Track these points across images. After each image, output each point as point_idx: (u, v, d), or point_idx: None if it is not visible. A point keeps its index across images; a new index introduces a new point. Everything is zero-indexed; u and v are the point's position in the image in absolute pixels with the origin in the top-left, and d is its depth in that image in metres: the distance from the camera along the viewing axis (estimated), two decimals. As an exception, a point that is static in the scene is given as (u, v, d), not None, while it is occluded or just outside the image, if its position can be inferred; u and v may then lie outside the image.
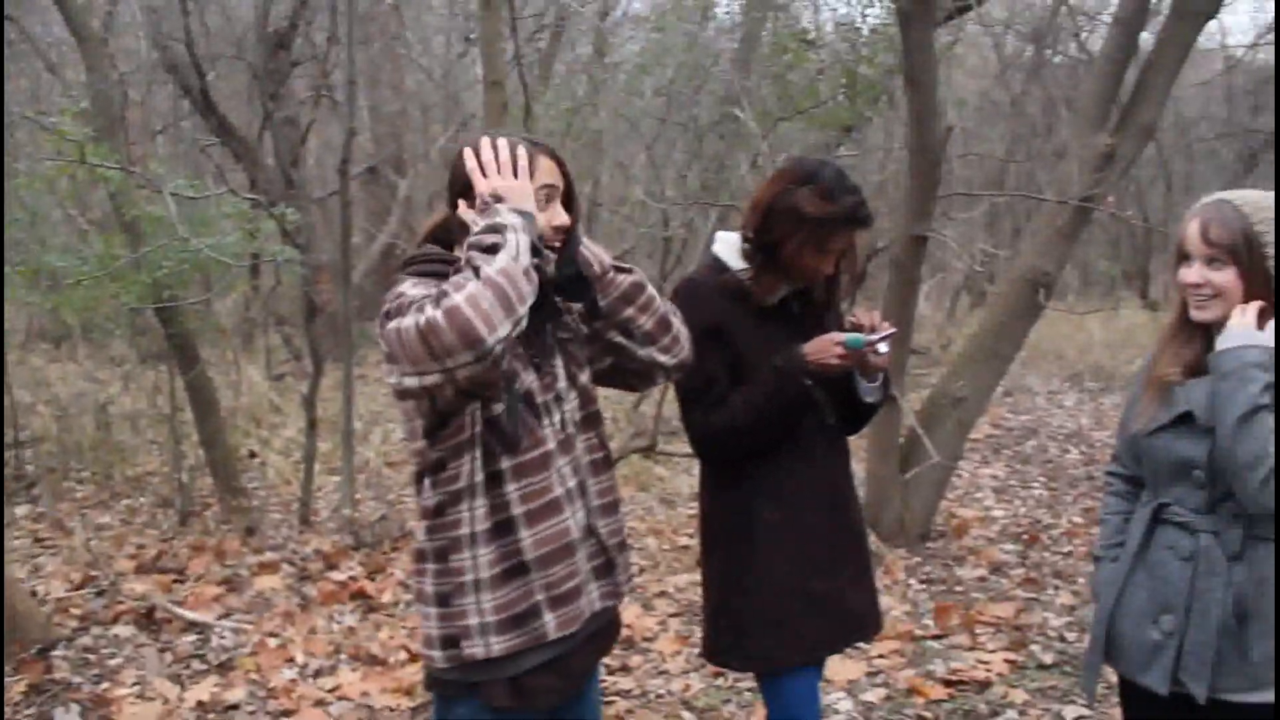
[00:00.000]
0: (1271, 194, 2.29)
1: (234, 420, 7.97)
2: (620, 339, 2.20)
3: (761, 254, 2.55)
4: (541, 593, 2.03)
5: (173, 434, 6.54)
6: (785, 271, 2.55)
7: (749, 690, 4.04)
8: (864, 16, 7.77)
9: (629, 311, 2.19)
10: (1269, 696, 2.25)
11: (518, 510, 2.01)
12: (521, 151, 2.00)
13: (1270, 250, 2.19)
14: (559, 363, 2.13)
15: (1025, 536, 5.97)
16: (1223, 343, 2.19)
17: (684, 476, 6.88)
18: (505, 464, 2.01)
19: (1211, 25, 7.17)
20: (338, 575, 5.31)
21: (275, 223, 5.89)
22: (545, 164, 2.08)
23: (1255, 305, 2.20)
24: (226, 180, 9.84)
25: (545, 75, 10.42)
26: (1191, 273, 2.24)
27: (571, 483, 2.10)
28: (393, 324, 1.85)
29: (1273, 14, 13.04)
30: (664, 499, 6.75)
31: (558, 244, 2.08)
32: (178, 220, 5.09)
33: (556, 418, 2.09)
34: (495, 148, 2.01)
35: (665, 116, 8.15)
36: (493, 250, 1.83)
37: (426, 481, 2.04)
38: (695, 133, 7.78)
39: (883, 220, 7.06)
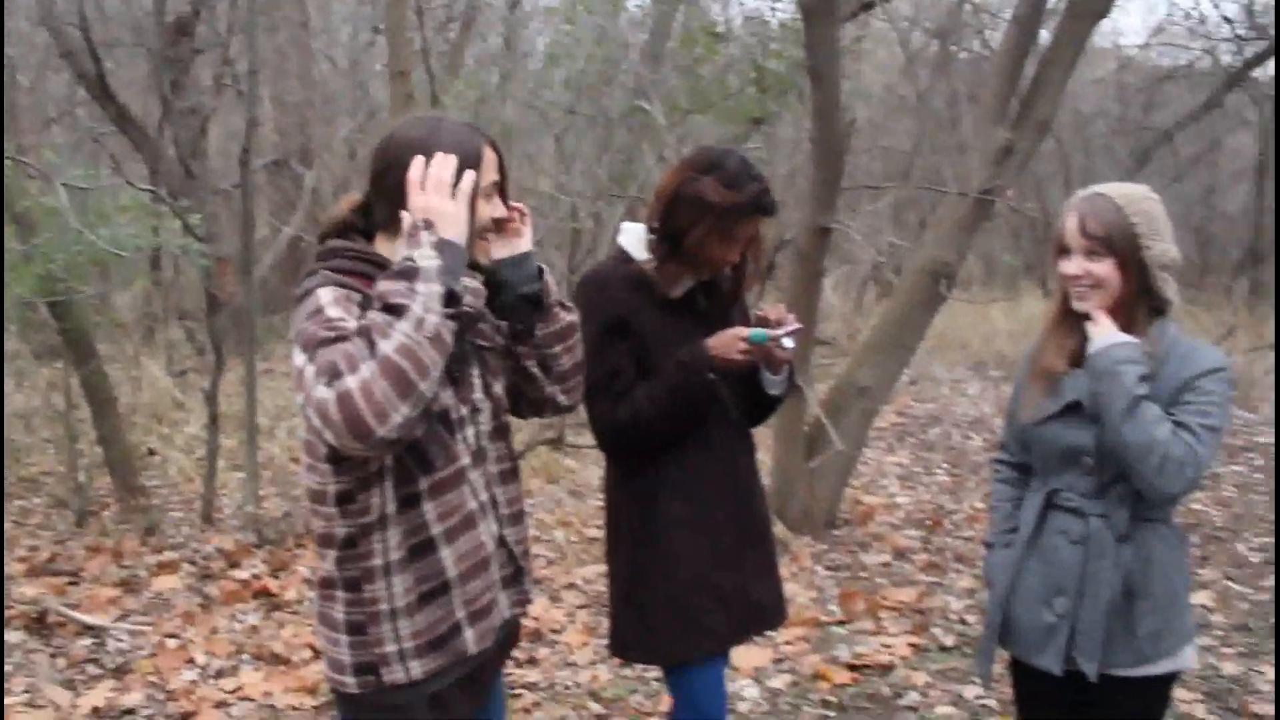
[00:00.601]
0: (1145, 187, 2.37)
1: (134, 417, 7.77)
2: (535, 370, 2.19)
3: (667, 243, 2.55)
4: (462, 610, 2.01)
5: (68, 432, 6.34)
6: (690, 261, 2.55)
7: (655, 680, 4.06)
8: (773, 11, 7.86)
9: (557, 348, 2.19)
10: (1155, 669, 2.34)
11: (437, 530, 1.98)
12: (468, 178, 1.92)
13: (1145, 241, 2.26)
14: (475, 372, 2.09)
15: (928, 522, 6.10)
16: (1092, 348, 2.27)
17: (593, 468, 6.89)
18: (423, 484, 1.95)
19: (1105, 25, 7.41)
20: (240, 574, 5.21)
21: (176, 215, 5.74)
22: (490, 158, 2.02)
23: (1105, 315, 2.28)
24: (123, 171, 9.57)
25: (454, 66, 10.33)
26: (1071, 265, 2.31)
27: (484, 496, 2.08)
28: (298, 361, 1.79)
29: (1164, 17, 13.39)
30: (573, 491, 6.74)
31: (492, 234, 2.05)
32: (71, 211, 4.95)
33: (470, 431, 2.05)
34: (439, 164, 1.91)
35: (574, 109, 8.13)
36: (397, 313, 1.74)
37: (332, 510, 1.96)
38: (604, 125, 7.77)
39: (791, 212, 7.14)
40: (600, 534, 5.59)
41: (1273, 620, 4.85)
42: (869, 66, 14.17)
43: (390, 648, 1.97)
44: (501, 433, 2.18)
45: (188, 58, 9.48)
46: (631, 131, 7.79)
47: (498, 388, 2.16)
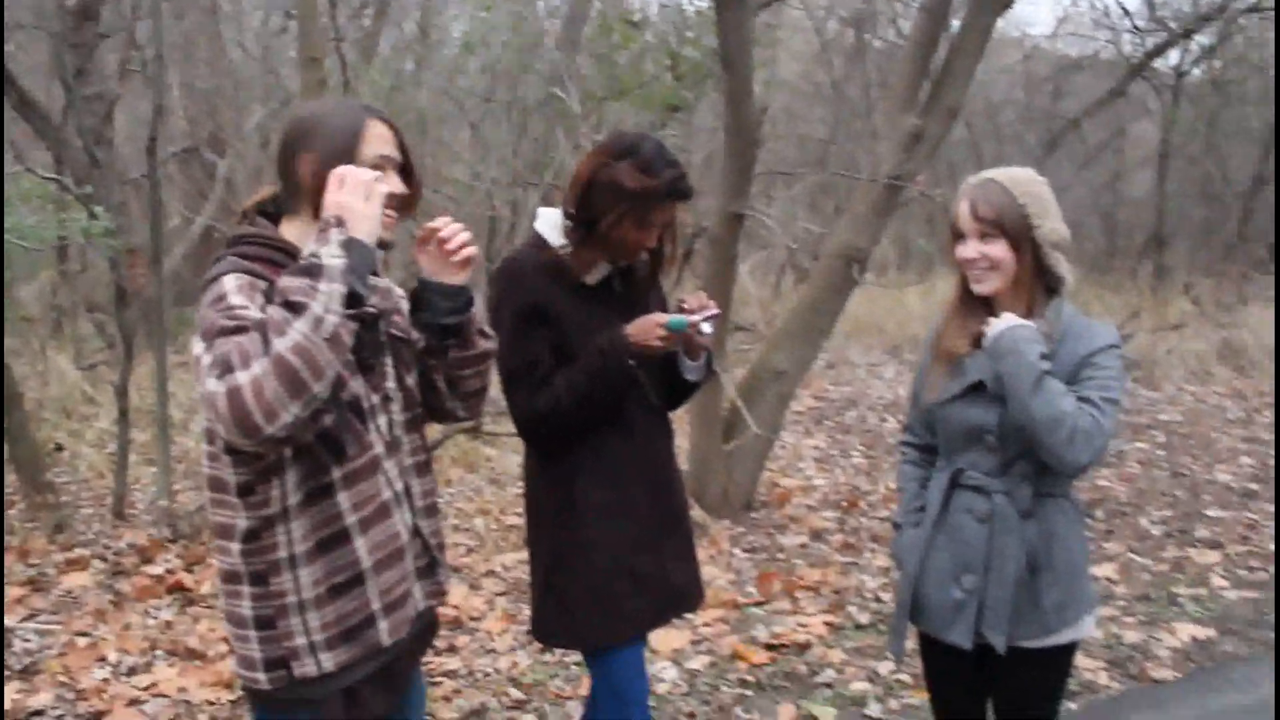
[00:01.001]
0: (1031, 170, 2.45)
1: (42, 413, 7.57)
2: (441, 384, 2.19)
3: (582, 229, 2.55)
4: (376, 601, 2.00)
5: (-29, 429, 6.17)
6: (607, 246, 2.56)
7: (576, 664, 4.09)
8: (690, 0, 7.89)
9: (467, 371, 2.19)
10: (1059, 639, 2.43)
11: (350, 520, 1.96)
12: (380, 187, 1.89)
13: (1035, 221, 2.34)
14: (389, 362, 2.08)
15: (844, 503, 6.20)
16: (992, 331, 2.34)
17: (512, 456, 6.89)
18: (335, 474, 1.93)
19: (1015, 15, 7.53)
20: (153, 569, 5.13)
21: (82, 205, 5.60)
22: (379, 131, 2.00)
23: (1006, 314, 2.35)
24: (26, 159, 9.29)
25: (369, 53, 10.20)
26: (968, 248, 2.38)
27: (399, 486, 2.06)
28: (196, 349, 1.77)
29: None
30: (492, 479, 6.74)
31: (392, 213, 2.02)
32: (-32, 201, 4.81)
33: (383, 420, 2.03)
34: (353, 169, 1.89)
35: (491, 96, 8.09)
36: (296, 310, 1.71)
37: (235, 500, 1.94)
38: (520, 112, 7.75)
39: (709, 199, 7.19)
40: (519, 521, 5.61)
41: (1169, 590, 5.04)
42: (785, 54, 14.28)
43: (300, 640, 1.95)
44: (415, 424, 2.17)
45: (92, 42, 9.22)
46: (548, 119, 7.78)
47: (410, 379, 2.14)
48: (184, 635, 4.40)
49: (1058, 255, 2.37)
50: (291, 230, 2.00)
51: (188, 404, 8.09)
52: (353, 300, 1.77)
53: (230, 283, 1.85)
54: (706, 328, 2.56)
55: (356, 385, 1.97)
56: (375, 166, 1.96)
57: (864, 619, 4.60)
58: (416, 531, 2.12)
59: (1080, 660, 4.23)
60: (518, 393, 2.56)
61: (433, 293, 2.13)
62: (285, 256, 1.94)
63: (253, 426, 1.69)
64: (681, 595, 2.75)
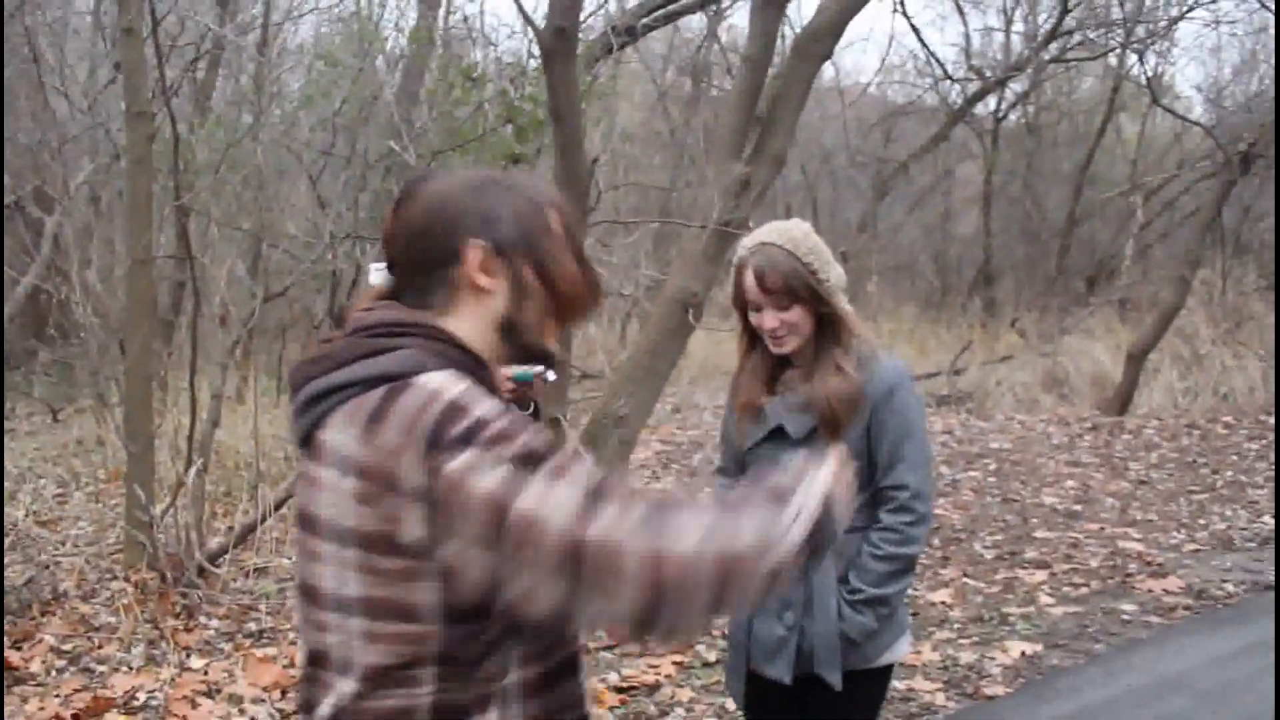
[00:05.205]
0: (796, 220, 2.54)
1: None
2: None
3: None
4: None
5: None
6: None
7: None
8: (529, 54, 8.01)
9: None
10: (877, 664, 2.53)
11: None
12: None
13: (821, 276, 2.42)
14: None
15: (693, 544, 6.31)
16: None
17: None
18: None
19: (846, 64, 7.85)
20: (-24, 648, 4.87)
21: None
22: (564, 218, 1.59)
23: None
24: None
25: (203, 106, 10.01)
26: (767, 318, 2.44)
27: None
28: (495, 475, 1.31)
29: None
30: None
31: None
32: None
33: None
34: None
35: (330, 149, 8.04)
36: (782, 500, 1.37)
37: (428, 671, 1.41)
38: (360, 165, 7.73)
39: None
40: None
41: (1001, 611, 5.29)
42: (626, 104, 14.57)
43: None
44: None
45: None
46: (389, 171, 7.77)
47: None
48: (10, 717, 4.20)
49: (841, 297, 2.46)
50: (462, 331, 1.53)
51: (15, 472, 7.74)
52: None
53: (461, 388, 1.40)
54: (551, 375, 2.63)
55: None
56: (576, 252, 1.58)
57: (712, 657, 4.69)
58: None
59: (918, 683, 4.42)
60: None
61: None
62: (472, 361, 1.51)
63: (687, 606, 1.31)
64: None
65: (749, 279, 2.43)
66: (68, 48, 12.67)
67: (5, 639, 4.98)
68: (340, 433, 1.38)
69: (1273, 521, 6.71)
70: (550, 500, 1.29)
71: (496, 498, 1.29)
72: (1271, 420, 9.72)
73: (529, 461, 1.32)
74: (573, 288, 1.56)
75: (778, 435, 2.49)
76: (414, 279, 1.54)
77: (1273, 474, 7.82)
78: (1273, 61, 11.99)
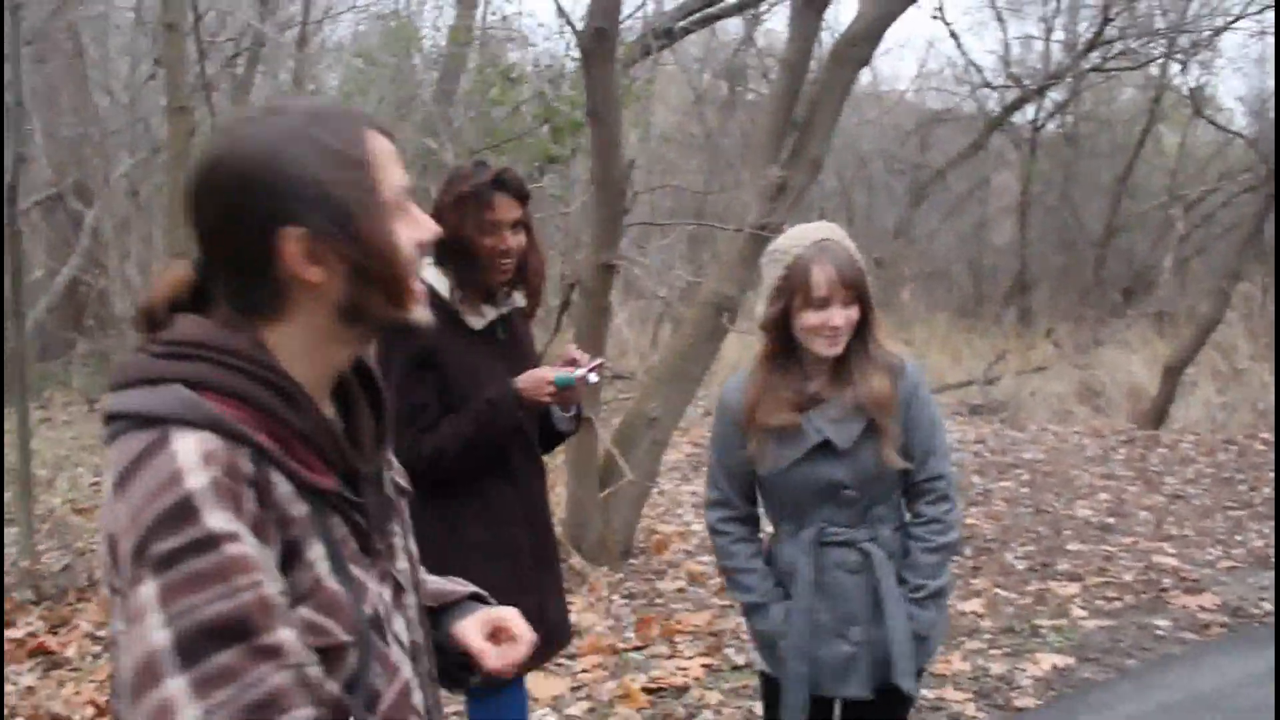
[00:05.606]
0: (826, 223, 2.50)
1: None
2: None
3: (447, 254, 2.64)
4: None
5: None
6: (466, 260, 2.65)
7: (458, 706, 4.07)
8: (567, 54, 8.03)
9: None
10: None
11: None
12: None
13: (868, 277, 2.43)
14: (396, 530, 1.45)
15: (722, 548, 6.29)
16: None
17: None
18: None
19: (884, 71, 7.83)
20: (15, 633, 4.93)
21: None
22: (383, 148, 1.32)
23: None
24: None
25: (241, 103, 10.08)
26: (837, 315, 2.35)
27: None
28: (151, 620, 1.10)
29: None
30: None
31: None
32: None
33: (400, 623, 1.39)
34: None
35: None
36: None
37: None
38: (397, 163, 7.77)
39: (586, 251, 7.28)
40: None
41: (1032, 622, 5.25)
42: (662, 107, 14.56)
43: None
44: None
45: (-51, 90, 8.95)
46: (426, 169, 7.81)
47: (411, 541, 1.51)
48: (47, 700, 4.24)
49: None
50: (277, 346, 1.26)
51: (54, 460, 7.83)
52: None
53: (192, 461, 1.14)
54: (593, 377, 2.68)
55: (375, 594, 1.33)
56: (399, 203, 1.31)
57: (740, 660, 4.67)
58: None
59: (948, 693, 4.38)
60: (403, 436, 2.60)
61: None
62: (272, 394, 1.23)
63: None
64: (557, 631, 2.85)
65: (826, 273, 2.32)
66: (110, 43, 12.82)
67: (42, 624, 5.05)
68: (108, 471, 1.19)
69: (1311, 539, 6.61)
70: (188, 712, 1.08)
71: (147, 665, 1.10)
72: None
73: (207, 638, 1.10)
74: (394, 255, 1.28)
75: (819, 450, 2.41)
76: (229, 280, 1.26)
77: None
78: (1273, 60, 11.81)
